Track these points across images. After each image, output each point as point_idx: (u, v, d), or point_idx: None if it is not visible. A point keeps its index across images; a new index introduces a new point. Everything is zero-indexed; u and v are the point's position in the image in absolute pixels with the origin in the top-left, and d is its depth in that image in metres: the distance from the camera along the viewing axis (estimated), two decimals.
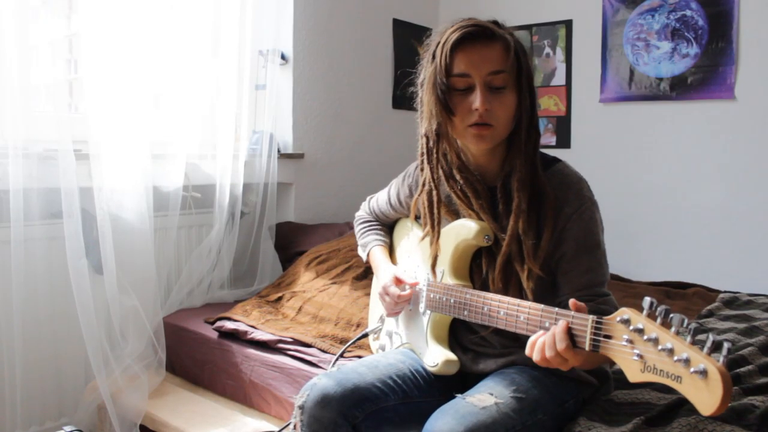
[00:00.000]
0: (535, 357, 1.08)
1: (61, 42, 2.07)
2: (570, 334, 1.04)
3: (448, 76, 1.24)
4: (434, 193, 1.35)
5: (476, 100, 1.22)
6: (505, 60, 1.23)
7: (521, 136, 1.27)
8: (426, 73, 1.29)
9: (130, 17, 2.08)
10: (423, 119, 1.32)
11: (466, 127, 1.26)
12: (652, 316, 0.93)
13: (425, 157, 1.34)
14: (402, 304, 1.44)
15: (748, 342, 1.63)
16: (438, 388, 1.37)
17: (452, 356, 1.34)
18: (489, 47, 1.23)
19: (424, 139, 1.33)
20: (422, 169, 1.37)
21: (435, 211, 1.35)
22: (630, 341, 0.94)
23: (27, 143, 1.87)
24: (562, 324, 1.05)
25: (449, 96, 1.25)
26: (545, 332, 1.08)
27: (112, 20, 2.03)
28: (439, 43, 1.26)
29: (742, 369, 1.46)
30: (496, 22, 1.28)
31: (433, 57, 1.27)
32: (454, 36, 1.23)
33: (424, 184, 1.38)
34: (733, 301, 2.13)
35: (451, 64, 1.23)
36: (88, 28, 2.01)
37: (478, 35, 1.23)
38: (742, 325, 1.80)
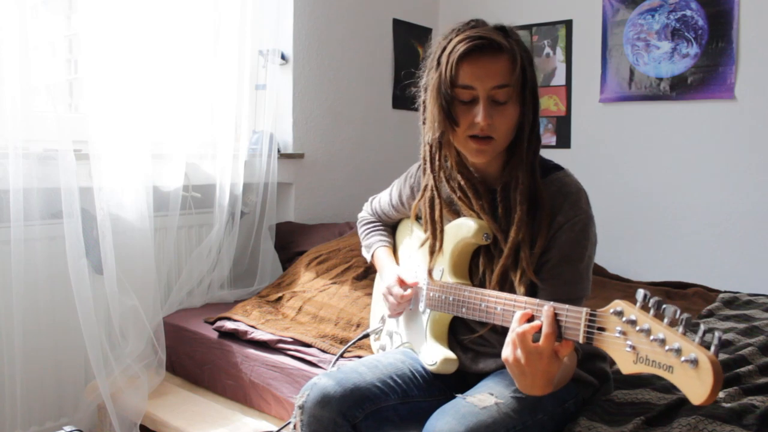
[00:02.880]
0: (507, 353, 1.07)
1: (61, 42, 2.07)
2: (558, 325, 1.04)
3: (452, 87, 1.23)
4: (437, 201, 1.35)
5: (479, 113, 1.22)
6: (511, 74, 1.22)
7: (523, 147, 1.27)
8: (430, 78, 1.28)
9: (130, 17, 2.08)
10: (426, 126, 1.32)
11: (467, 138, 1.25)
12: (645, 308, 0.93)
13: (428, 164, 1.34)
14: (404, 304, 1.45)
15: (748, 342, 1.63)
16: (438, 388, 1.37)
17: (451, 355, 1.34)
18: (495, 61, 1.22)
19: (427, 147, 1.33)
20: (424, 175, 1.37)
21: (437, 218, 1.35)
22: (623, 332, 0.94)
23: (27, 143, 1.87)
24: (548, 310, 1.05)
25: (453, 106, 1.24)
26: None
27: (112, 20, 2.03)
28: (445, 49, 1.25)
29: (742, 369, 1.46)
30: (503, 28, 1.26)
31: (438, 63, 1.25)
32: (462, 47, 1.21)
33: (425, 190, 1.37)
34: (733, 301, 2.13)
35: (456, 74, 1.22)
36: (88, 28, 2.01)
37: (485, 48, 1.21)
38: (742, 325, 1.81)
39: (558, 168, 1.33)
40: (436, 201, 1.35)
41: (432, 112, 1.27)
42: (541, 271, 1.25)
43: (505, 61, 1.22)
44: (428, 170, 1.35)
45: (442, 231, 1.35)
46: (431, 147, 1.32)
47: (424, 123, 1.34)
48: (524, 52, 1.25)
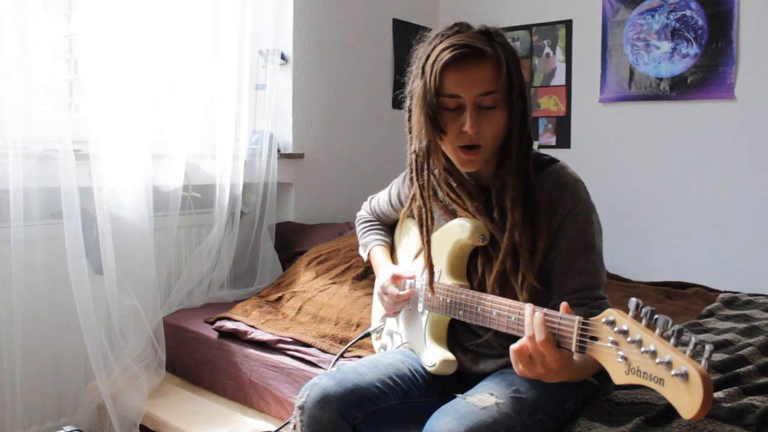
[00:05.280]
0: (517, 359, 1.07)
1: (61, 42, 2.07)
2: (553, 333, 1.03)
3: (437, 96, 1.22)
4: (424, 210, 1.34)
5: (466, 122, 1.21)
6: (496, 80, 1.21)
7: (512, 151, 1.26)
8: (415, 86, 1.28)
9: (130, 17, 2.08)
10: (413, 135, 1.31)
11: (456, 147, 1.25)
12: (637, 317, 0.92)
13: (415, 174, 1.34)
14: (401, 303, 1.44)
15: (748, 342, 1.63)
16: (438, 388, 1.37)
17: (450, 356, 1.34)
18: (480, 67, 1.21)
19: (413, 156, 1.32)
20: (411, 185, 1.37)
21: (425, 228, 1.35)
22: (615, 343, 0.93)
23: (27, 143, 1.87)
24: (538, 315, 1.05)
25: (439, 115, 1.24)
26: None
27: (112, 20, 2.03)
28: (429, 57, 1.24)
29: (742, 369, 1.46)
30: (487, 32, 1.25)
31: (423, 72, 1.25)
32: (445, 56, 1.20)
33: (413, 199, 1.37)
34: (733, 301, 2.13)
35: (441, 83, 1.21)
36: (88, 28, 2.01)
37: (469, 55, 1.20)
38: (742, 325, 1.80)
39: (553, 161, 1.33)
40: (424, 211, 1.34)
41: (419, 121, 1.27)
42: (552, 266, 1.25)
43: (490, 67, 1.21)
44: (415, 180, 1.34)
45: (429, 242, 1.34)
46: (417, 156, 1.31)
47: (410, 131, 1.33)
48: (510, 54, 1.24)
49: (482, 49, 1.21)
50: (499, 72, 1.21)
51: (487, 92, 1.21)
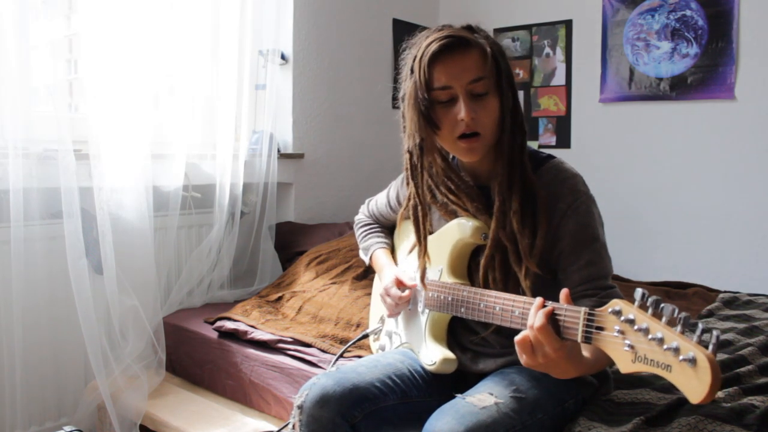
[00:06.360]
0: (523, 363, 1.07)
1: (61, 42, 2.07)
2: (554, 322, 1.04)
3: (429, 91, 1.23)
4: (419, 208, 1.35)
5: (461, 110, 1.22)
6: (484, 66, 1.23)
7: (505, 139, 1.26)
8: (406, 87, 1.29)
9: (130, 17, 2.09)
10: (406, 134, 1.32)
11: (455, 139, 1.26)
12: (643, 307, 0.93)
13: (410, 172, 1.34)
14: (402, 305, 1.45)
15: (748, 342, 1.63)
16: (437, 388, 1.37)
17: (450, 355, 1.34)
18: (466, 56, 1.23)
19: (407, 155, 1.33)
20: (407, 184, 1.37)
21: (421, 226, 1.35)
22: (621, 332, 0.94)
23: (27, 143, 1.87)
24: (537, 301, 1.06)
25: (433, 110, 1.25)
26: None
27: (112, 20, 2.03)
28: (415, 57, 1.26)
29: (742, 369, 1.46)
30: (470, 27, 1.28)
31: (411, 71, 1.26)
32: (431, 49, 1.22)
33: (409, 199, 1.38)
34: (733, 301, 2.13)
35: (430, 78, 1.23)
36: (88, 28, 2.01)
37: (454, 46, 1.22)
38: (742, 325, 1.80)
39: (551, 157, 1.33)
40: (419, 209, 1.35)
41: (411, 120, 1.28)
42: (559, 261, 1.25)
43: (476, 54, 1.23)
44: (410, 178, 1.35)
45: (426, 237, 1.35)
46: (411, 155, 1.32)
47: (404, 131, 1.34)
48: (493, 44, 1.26)
49: (466, 38, 1.23)
50: (485, 58, 1.23)
51: (476, 78, 1.22)
